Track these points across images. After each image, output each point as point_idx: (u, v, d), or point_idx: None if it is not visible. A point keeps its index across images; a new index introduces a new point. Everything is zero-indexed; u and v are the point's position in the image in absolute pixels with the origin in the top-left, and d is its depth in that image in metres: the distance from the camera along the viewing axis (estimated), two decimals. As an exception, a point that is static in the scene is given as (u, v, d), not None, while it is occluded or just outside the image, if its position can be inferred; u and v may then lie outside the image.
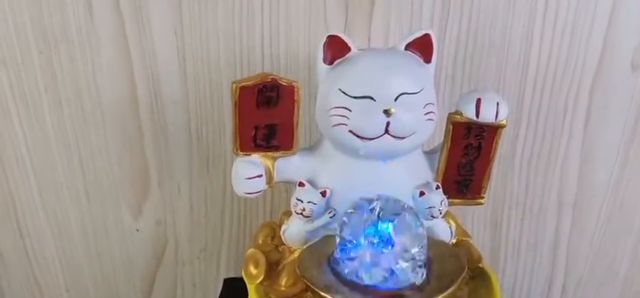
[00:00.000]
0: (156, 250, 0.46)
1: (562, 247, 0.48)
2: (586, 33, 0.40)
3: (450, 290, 0.26)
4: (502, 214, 0.47)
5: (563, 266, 0.48)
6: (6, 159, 0.42)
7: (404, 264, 0.26)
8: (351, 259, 0.26)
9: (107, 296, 0.48)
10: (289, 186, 0.32)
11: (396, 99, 0.27)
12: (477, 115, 0.29)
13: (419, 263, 0.26)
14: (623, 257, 0.48)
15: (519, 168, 0.44)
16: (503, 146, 0.42)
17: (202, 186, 0.44)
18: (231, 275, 0.45)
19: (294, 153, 0.30)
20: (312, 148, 0.31)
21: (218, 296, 0.42)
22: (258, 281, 0.30)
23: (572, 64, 0.41)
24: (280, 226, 0.32)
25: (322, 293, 0.26)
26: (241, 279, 0.32)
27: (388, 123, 0.27)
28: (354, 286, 0.26)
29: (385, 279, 0.26)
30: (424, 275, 0.27)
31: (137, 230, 0.45)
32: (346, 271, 0.27)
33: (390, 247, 0.26)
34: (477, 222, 0.46)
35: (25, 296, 0.47)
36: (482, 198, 0.32)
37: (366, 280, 0.26)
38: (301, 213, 0.29)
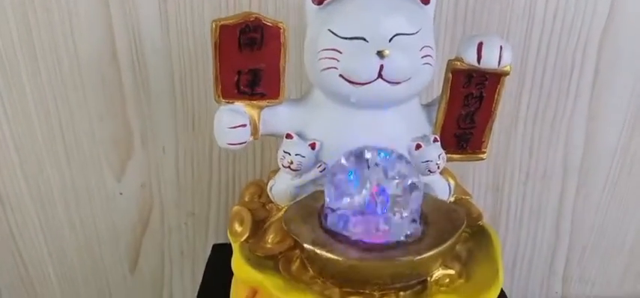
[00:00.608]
0: (141, 215, 0.45)
1: (566, 214, 0.47)
2: None
3: (446, 245, 0.24)
4: (504, 178, 0.46)
5: (567, 234, 0.48)
6: None
7: (397, 216, 0.24)
8: (341, 211, 0.25)
9: (92, 265, 0.47)
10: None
11: (390, 40, 0.25)
12: (479, 61, 0.27)
13: (413, 216, 0.25)
14: (630, 227, 0.48)
15: (523, 128, 0.43)
16: (505, 104, 0.41)
17: (188, 146, 0.43)
18: (221, 241, 0.43)
19: (281, 103, 0.28)
20: (300, 99, 0.29)
21: (206, 265, 0.41)
22: (243, 239, 0.28)
23: (580, 17, 0.40)
24: (268, 184, 0.31)
25: (310, 248, 0.24)
26: (231, 245, 0.31)
27: (382, 67, 0.25)
28: (344, 240, 0.25)
29: (377, 232, 0.24)
30: (419, 229, 0.25)
31: (121, 194, 0.44)
32: (336, 225, 0.25)
33: (382, 198, 0.24)
34: (477, 186, 0.45)
35: (7, 264, 0.46)
36: (484, 152, 0.31)
37: (358, 234, 0.24)
38: (289, 167, 0.27)
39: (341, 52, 0.25)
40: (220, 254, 0.40)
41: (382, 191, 0.24)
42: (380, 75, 0.25)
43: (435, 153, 0.28)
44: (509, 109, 0.42)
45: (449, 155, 0.30)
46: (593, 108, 0.42)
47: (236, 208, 0.30)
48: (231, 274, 0.32)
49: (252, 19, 0.26)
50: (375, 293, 0.25)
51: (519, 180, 0.45)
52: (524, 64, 0.41)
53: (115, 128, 0.42)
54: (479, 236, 0.29)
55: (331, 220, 0.25)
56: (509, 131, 0.43)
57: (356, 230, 0.24)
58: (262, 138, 0.40)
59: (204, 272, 0.40)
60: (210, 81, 0.34)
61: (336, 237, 0.25)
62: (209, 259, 0.41)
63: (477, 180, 0.45)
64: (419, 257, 0.24)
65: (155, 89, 0.40)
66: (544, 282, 0.50)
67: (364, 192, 0.24)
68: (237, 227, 0.29)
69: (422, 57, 0.26)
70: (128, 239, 0.46)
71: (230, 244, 0.32)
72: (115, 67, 0.40)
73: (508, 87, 0.39)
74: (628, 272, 0.49)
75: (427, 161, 0.28)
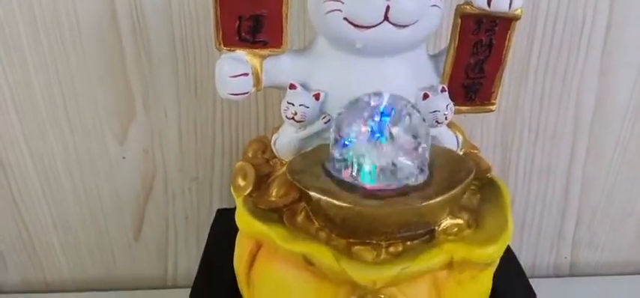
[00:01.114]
0: (144, 181, 0.45)
1: (576, 175, 0.46)
2: None
3: (453, 191, 0.24)
4: (513, 135, 0.45)
5: (576, 197, 0.47)
6: None
7: (405, 161, 0.24)
8: (347, 159, 0.24)
9: (96, 232, 0.47)
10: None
11: None
12: (489, 4, 0.26)
13: (421, 162, 0.24)
14: (637, 193, 0.47)
15: (533, 82, 0.42)
16: (515, 56, 0.40)
17: (191, 109, 0.42)
18: (225, 205, 0.44)
19: (284, 52, 0.27)
20: (304, 48, 0.29)
21: (209, 229, 0.41)
22: (246, 193, 0.28)
23: None
24: (272, 138, 0.31)
25: (316, 195, 0.24)
26: (233, 210, 0.31)
27: (388, 8, 0.24)
28: (351, 188, 0.24)
29: (385, 178, 0.24)
30: (427, 175, 0.25)
31: (123, 158, 0.43)
32: (342, 172, 0.25)
33: (390, 140, 0.24)
34: (485, 142, 0.44)
35: (10, 231, 0.46)
36: (493, 104, 0.30)
37: (364, 180, 0.24)
38: (293, 118, 0.27)
39: None
40: (225, 219, 0.41)
41: (389, 134, 0.23)
42: (386, 18, 0.25)
43: (442, 103, 0.28)
44: (518, 62, 0.41)
45: (457, 107, 0.29)
46: (604, 63, 0.41)
47: (239, 163, 0.30)
48: (236, 237, 0.33)
49: None
50: (381, 243, 0.25)
51: (529, 139, 0.45)
52: (535, 15, 0.40)
53: (116, 92, 0.42)
54: (488, 188, 0.29)
55: (337, 167, 0.25)
56: (518, 85, 0.42)
57: (363, 175, 0.24)
58: (265, 100, 0.41)
59: (208, 236, 0.40)
60: (212, 43, 0.34)
61: (341, 186, 0.25)
62: (213, 224, 0.41)
63: (485, 136, 0.45)
64: (426, 203, 0.24)
65: (156, 52, 0.40)
66: (553, 247, 0.49)
67: (372, 135, 0.24)
68: (241, 182, 0.29)
69: (428, 1, 0.25)
70: (132, 205, 0.46)
71: (234, 208, 0.31)
72: (115, 29, 0.39)
73: (518, 39, 0.39)
74: (638, 236, 0.49)
75: (435, 111, 0.27)
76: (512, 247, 0.47)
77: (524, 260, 0.47)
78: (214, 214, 0.42)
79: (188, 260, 0.49)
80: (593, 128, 0.44)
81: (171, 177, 0.45)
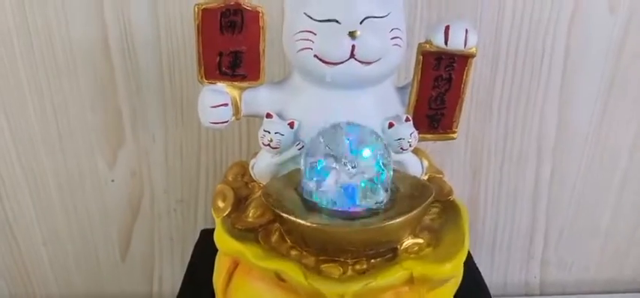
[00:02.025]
0: (132, 202, 0.47)
1: (542, 197, 0.49)
2: None
3: (413, 213, 0.26)
4: (481, 161, 0.47)
5: (543, 217, 0.49)
6: None
7: (370, 185, 0.26)
8: (317, 181, 0.26)
9: (85, 251, 0.49)
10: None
11: (361, 23, 0.27)
12: (446, 43, 0.29)
13: (385, 187, 0.26)
14: (605, 209, 0.49)
15: (498, 112, 0.45)
16: (480, 89, 0.43)
17: (177, 134, 0.44)
18: (209, 226, 0.45)
19: (261, 84, 0.30)
20: (280, 81, 0.31)
21: (193, 248, 0.42)
22: (225, 214, 0.30)
23: (547, 6, 0.41)
24: (250, 163, 0.33)
25: (285, 215, 0.26)
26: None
27: (353, 47, 0.27)
28: (319, 209, 0.27)
29: (349, 200, 0.26)
30: (390, 199, 0.27)
31: (112, 181, 0.45)
32: (312, 195, 0.27)
33: (356, 166, 0.26)
34: (455, 169, 0.47)
35: (2, 250, 0.48)
36: (454, 132, 0.32)
37: (330, 203, 0.26)
38: (269, 145, 0.29)
39: (315, 34, 0.27)
40: (208, 239, 0.41)
41: (353, 161, 0.25)
42: (352, 55, 0.27)
43: (407, 131, 0.30)
44: (483, 93, 0.44)
45: (422, 135, 0.31)
46: (564, 94, 0.44)
47: (219, 186, 0.32)
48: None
49: (232, 3, 0.27)
50: (348, 261, 0.27)
51: (496, 164, 0.47)
52: (497, 51, 0.42)
53: (106, 117, 0.43)
54: (449, 209, 0.31)
55: (307, 191, 0.27)
56: (484, 114, 0.45)
57: (330, 198, 0.26)
58: (248, 127, 0.43)
59: (192, 256, 0.41)
60: (193, 68, 0.36)
61: (311, 208, 0.27)
62: (197, 244, 0.43)
63: (455, 164, 0.47)
64: (388, 223, 0.26)
65: (145, 79, 0.42)
66: (523, 266, 0.51)
67: (337, 161, 0.26)
68: (220, 203, 0.31)
69: (391, 38, 0.28)
70: (120, 225, 0.48)
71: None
72: (107, 58, 0.41)
73: (482, 73, 0.42)
74: (604, 254, 0.51)
75: (399, 139, 0.29)
76: (483, 266, 0.48)
77: (495, 279, 0.51)
78: (198, 234, 0.43)
79: (173, 278, 0.50)
80: (556, 153, 0.46)
81: (157, 199, 0.47)
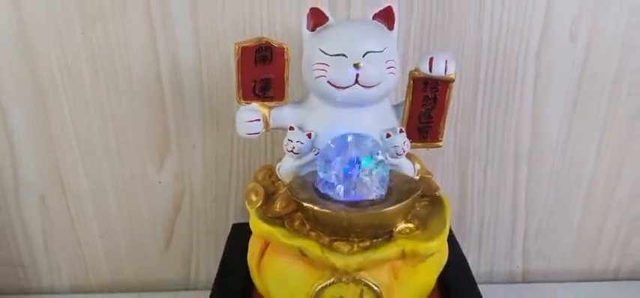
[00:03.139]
0: (175, 201, 0.51)
1: (521, 195, 0.52)
2: (530, 7, 0.44)
3: (404, 203, 0.32)
4: (467, 166, 0.51)
5: (523, 214, 0.53)
6: (53, 123, 0.48)
7: (370, 181, 0.32)
8: (329, 180, 0.32)
9: (134, 243, 0.53)
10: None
11: (363, 56, 0.32)
12: (430, 70, 0.34)
13: (382, 183, 0.32)
14: (576, 207, 0.53)
15: (480, 125, 0.49)
16: (465, 106, 0.48)
17: (213, 144, 0.49)
18: (239, 221, 0.50)
19: (285, 104, 0.35)
20: (300, 101, 0.37)
21: (226, 240, 0.47)
22: (257, 206, 0.36)
23: (518, 36, 0.45)
24: (276, 166, 0.38)
25: (306, 204, 0.32)
26: (247, 224, 0.38)
27: (357, 75, 0.32)
28: (331, 201, 0.32)
29: (356, 193, 0.32)
30: (387, 193, 0.33)
31: (159, 183, 0.50)
32: (326, 188, 0.33)
33: (360, 167, 0.32)
34: (446, 172, 0.51)
35: (64, 240, 0.53)
36: (440, 141, 0.38)
37: (340, 195, 0.32)
38: (291, 151, 0.35)
39: (328, 65, 0.33)
40: (239, 232, 0.47)
41: (356, 162, 0.32)
42: (357, 82, 0.33)
43: (400, 140, 0.35)
44: (468, 110, 0.48)
45: (413, 143, 0.37)
46: (535, 110, 0.48)
47: (252, 184, 0.38)
48: (247, 248, 0.39)
49: (263, 42, 0.33)
50: (354, 240, 0.32)
51: (480, 167, 0.51)
52: (477, 74, 0.46)
53: (156, 129, 0.48)
54: (435, 202, 0.36)
55: (322, 186, 0.33)
56: (468, 127, 0.49)
57: (339, 191, 0.32)
58: (273, 138, 0.48)
59: (225, 247, 0.46)
60: (231, 92, 0.41)
61: (325, 199, 0.33)
62: (229, 236, 0.47)
63: (445, 167, 0.51)
64: (385, 210, 0.31)
65: (188, 98, 0.47)
66: (507, 257, 0.55)
67: (345, 162, 0.32)
68: (253, 197, 0.36)
69: (387, 68, 0.33)
70: (164, 221, 0.52)
71: (247, 223, 0.38)
72: (158, 81, 0.46)
73: (466, 92, 0.47)
74: (578, 247, 0.55)
75: (395, 146, 0.35)
76: (472, 257, 0.54)
77: (483, 268, 0.55)
78: (230, 228, 0.48)
79: (208, 267, 0.54)
80: (531, 159, 0.50)
81: (196, 198, 0.52)
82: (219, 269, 0.43)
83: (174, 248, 0.54)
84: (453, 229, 0.45)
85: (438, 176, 0.46)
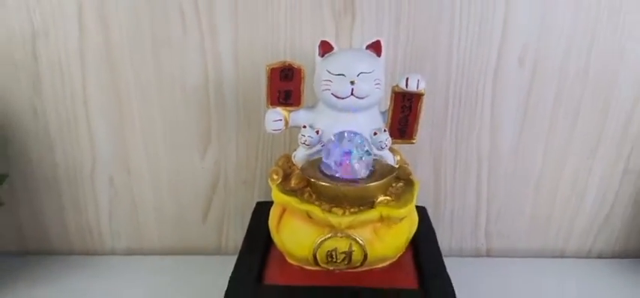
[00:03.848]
0: (212, 183, 0.57)
1: (483, 188, 0.57)
2: (487, 40, 0.50)
3: (383, 180, 0.40)
4: (440, 164, 0.57)
5: (485, 201, 0.58)
6: (125, 122, 0.54)
7: (360, 165, 0.41)
8: (330, 164, 0.41)
9: (180, 215, 0.59)
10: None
11: (358, 75, 0.41)
12: (406, 86, 0.42)
13: (367, 165, 0.41)
14: (527, 199, 0.58)
15: (449, 132, 0.54)
16: (438, 117, 0.54)
17: (245, 138, 0.55)
18: (262, 199, 0.55)
19: (301, 108, 0.44)
20: (312, 107, 0.45)
21: (252, 213, 0.52)
22: (278, 182, 0.44)
23: (479, 63, 0.51)
24: (293, 154, 0.47)
25: (313, 180, 0.41)
26: (268, 202, 0.45)
27: (353, 89, 0.41)
28: (332, 178, 0.41)
29: (348, 173, 0.41)
30: (370, 173, 0.42)
31: (202, 168, 0.56)
32: (326, 169, 0.42)
33: (353, 155, 0.41)
34: (423, 170, 0.56)
35: (126, 212, 0.59)
36: (414, 139, 0.44)
37: (338, 173, 0.41)
38: (304, 143, 0.43)
39: (332, 82, 0.41)
40: (262, 208, 0.51)
41: (349, 152, 0.41)
42: (352, 94, 0.41)
43: (384, 137, 0.43)
44: (440, 120, 0.54)
45: (394, 140, 0.44)
46: (493, 122, 0.54)
47: (274, 168, 0.45)
48: (267, 220, 0.45)
49: (287, 65, 0.42)
50: (346, 207, 0.41)
51: (449, 165, 0.56)
52: (447, 92, 0.52)
53: (202, 127, 0.54)
54: (408, 183, 0.44)
55: (325, 168, 0.42)
56: (441, 134, 0.55)
57: (337, 171, 0.41)
58: (290, 135, 0.54)
59: (250, 219, 0.51)
60: (259, 99, 0.49)
61: (327, 177, 0.42)
62: (254, 211, 0.53)
63: (423, 166, 0.56)
64: (368, 185, 0.40)
65: (228, 104, 0.53)
66: (473, 236, 0.61)
67: (342, 151, 0.41)
68: (275, 176, 0.44)
69: (375, 84, 0.41)
70: (203, 198, 0.58)
71: (268, 201, 0.45)
72: (205, 91, 0.53)
73: (438, 105, 0.53)
74: (531, 230, 0.60)
75: (380, 141, 0.43)
76: (446, 237, 0.60)
77: (454, 244, 0.61)
78: (255, 204, 0.53)
79: (236, 235, 0.60)
80: (490, 160, 0.56)
81: (229, 180, 0.57)
82: (247, 234, 0.48)
83: (210, 221, 0.59)
84: (429, 214, 0.53)
85: (417, 172, 0.53)
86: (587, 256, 0.62)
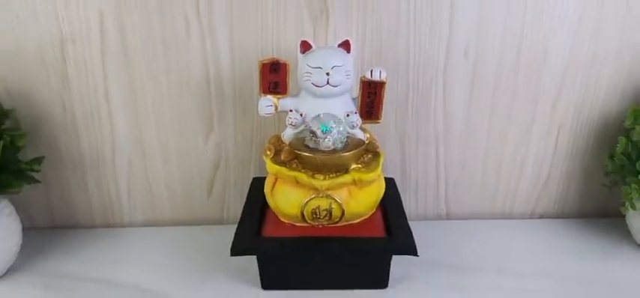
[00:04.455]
0: (215, 162, 0.62)
1: (441, 161, 0.64)
2: (437, 38, 0.56)
3: (354, 151, 0.48)
4: (405, 142, 0.62)
5: (443, 172, 0.64)
6: (139, 112, 0.59)
7: (334, 138, 0.48)
8: (312, 139, 0.49)
9: (188, 191, 0.64)
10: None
11: (332, 68, 0.48)
12: (371, 76, 0.50)
13: (341, 140, 0.49)
14: (477, 170, 0.64)
15: (411, 115, 0.61)
16: (400, 103, 0.60)
17: (241, 123, 0.60)
18: (257, 175, 0.62)
19: (287, 96, 0.51)
20: (296, 94, 0.52)
21: (249, 187, 0.59)
22: (271, 156, 0.51)
23: (432, 57, 0.57)
24: (282, 134, 0.54)
25: (298, 152, 0.48)
26: (262, 177, 0.52)
27: (328, 79, 0.48)
28: (314, 150, 0.49)
29: (327, 145, 0.48)
30: (344, 145, 0.49)
31: (206, 150, 0.62)
32: (309, 143, 0.49)
33: (330, 131, 0.48)
34: (391, 147, 0.62)
35: (141, 189, 0.64)
36: (379, 119, 0.52)
37: (319, 146, 0.48)
38: (291, 124, 0.50)
39: (311, 74, 0.48)
40: (257, 183, 0.60)
41: (329, 128, 0.48)
42: (328, 83, 0.48)
43: (355, 118, 0.50)
44: (402, 105, 0.59)
45: (364, 120, 0.51)
46: (445, 105, 0.60)
47: (267, 145, 0.53)
48: (262, 191, 0.52)
49: (275, 60, 0.49)
50: (326, 173, 0.48)
51: (412, 142, 0.62)
52: (407, 82, 0.58)
53: (205, 115, 0.59)
54: (375, 154, 0.52)
55: (308, 142, 0.49)
56: (404, 114, 0.60)
57: (318, 143, 0.48)
58: (279, 118, 0.59)
59: (248, 191, 0.58)
60: (252, 89, 0.56)
61: (310, 150, 0.49)
62: (250, 186, 0.59)
63: (390, 144, 0.62)
64: (343, 155, 0.48)
65: (227, 94, 0.58)
66: (435, 203, 0.66)
67: (321, 127, 0.48)
68: (268, 152, 0.51)
69: (346, 75, 0.49)
70: (208, 176, 0.63)
71: (263, 177, 0.52)
72: (207, 82, 0.58)
73: (401, 93, 0.60)
74: (481, 197, 0.66)
75: (352, 121, 0.50)
76: (410, 203, 0.66)
77: (419, 210, 0.67)
78: (251, 180, 0.60)
79: (235, 207, 0.65)
80: (445, 137, 0.62)
81: (229, 160, 0.62)
82: (246, 202, 0.55)
83: (214, 195, 0.64)
84: (397, 184, 0.60)
85: (385, 149, 0.60)
86: (531, 217, 0.68)
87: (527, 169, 0.66)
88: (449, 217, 0.68)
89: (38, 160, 0.57)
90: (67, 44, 0.58)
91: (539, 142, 0.65)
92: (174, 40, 0.57)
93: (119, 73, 0.59)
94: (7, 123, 0.58)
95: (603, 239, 0.63)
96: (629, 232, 0.62)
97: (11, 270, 0.56)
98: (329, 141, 0.48)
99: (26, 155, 0.58)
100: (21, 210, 0.59)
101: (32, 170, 0.57)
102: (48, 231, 0.65)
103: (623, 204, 0.59)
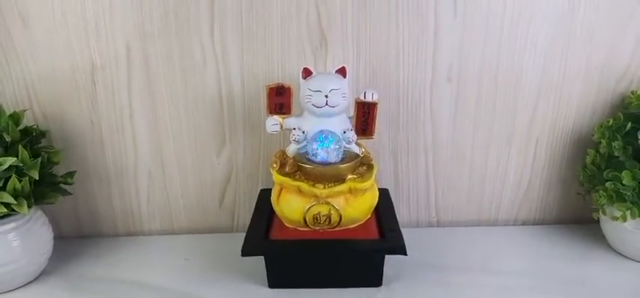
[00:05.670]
0: (227, 175, 0.66)
1: (431, 172, 0.67)
2: (423, 63, 0.60)
3: (351, 163, 0.53)
4: (397, 155, 0.66)
5: (433, 183, 0.68)
6: (160, 128, 0.63)
7: (333, 153, 0.54)
8: (312, 153, 0.54)
9: (201, 201, 0.67)
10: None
11: (330, 91, 0.52)
12: (365, 98, 0.54)
13: (339, 155, 0.54)
14: (463, 181, 0.67)
15: (402, 130, 0.64)
16: (392, 120, 0.64)
17: (250, 140, 0.64)
18: (264, 187, 0.65)
19: (291, 116, 0.55)
20: (299, 114, 0.56)
21: (257, 198, 0.63)
22: (277, 169, 0.56)
23: (418, 79, 0.61)
24: (287, 149, 0.59)
25: (301, 164, 0.54)
26: (269, 189, 0.56)
27: (327, 101, 0.53)
28: (314, 162, 0.54)
29: (325, 159, 0.53)
30: (341, 159, 0.54)
31: (218, 164, 0.66)
32: (310, 157, 0.54)
33: (328, 146, 0.53)
34: (385, 159, 0.65)
35: (160, 199, 0.67)
36: (373, 136, 0.56)
37: (318, 159, 0.54)
38: (294, 140, 0.55)
39: (312, 96, 0.53)
40: (264, 194, 0.62)
41: (328, 144, 0.54)
42: (327, 104, 0.53)
43: (351, 135, 0.55)
44: (394, 122, 0.63)
45: (359, 136, 0.56)
46: (433, 121, 0.63)
47: (273, 159, 0.58)
48: (269, 202, 0.55)
49: (280, 85, 0.54)
50: (325, 182, 0.53)
51: (404, 155, 0.65)
52: (398, 101, 0.62)
53: (218, 131, 0.63)
54: (369, 166, 0.57)
55: (310, 156, 0.55)
56: (396, 130, 0.64)
57: (318, 157, 0.54)
58: (284, 136, 0.63)
59: (256, 202, 0.61)
60: (260, 110, 0.61)
61: (312, 162, 0.54)
62: (258, 196, 0.63)
63: (384, 157, 0.65)
64: (340, 166, 0.53)
65: (238, 113, 0.62)
66: (426, 211, 0.69)
67: (321, 143, 0.54)
68: (274, 165, 0.56)
69: (342, 97, 0.53)
70: (220, 188, 0.67)
71: (270, 189, 0.56)
72: (219, 101, 0.62)
73: (393, 111, 0.65)
74: (468, 206, 0.69)
75: (348, 137, 0.55)
76: (403, 212, 0.70)
77: (412, 218, 0.70)
78: (259, 192, 0.63)
79: (245, 216, 0.68)
80: (434, 151, 0.66)
81: (239, 173, 0.66)
82: (255, 210, 0.59)
83: (225, 205, 0.68)
84: (390, 195, 0.64)
85: (380, 162, 0.64)
86: (514, 224, 0.71)
87: (509, 179, 0.69)
88: (439, 224, 0.71)
89: (71, 174, 0.63)
90: (97, 72, 0.64)
91: (518, 154, 0.69)
92: (191, 66, 0.62)
93: (142, 95, 0.63)
94: (43, 142, 0.63)
95: (580, 243, 0.65)
96: (603, 237, 0.65)
97: (43, 274, 0.60)
98: (329, 154, 0.53)
99: (58, 170, 0.64)
100: (51, 221, 0.62)
101: (66, 183, 0.62)
102: (75, 240, 0.68)
103: (596, 210, 0.64)
